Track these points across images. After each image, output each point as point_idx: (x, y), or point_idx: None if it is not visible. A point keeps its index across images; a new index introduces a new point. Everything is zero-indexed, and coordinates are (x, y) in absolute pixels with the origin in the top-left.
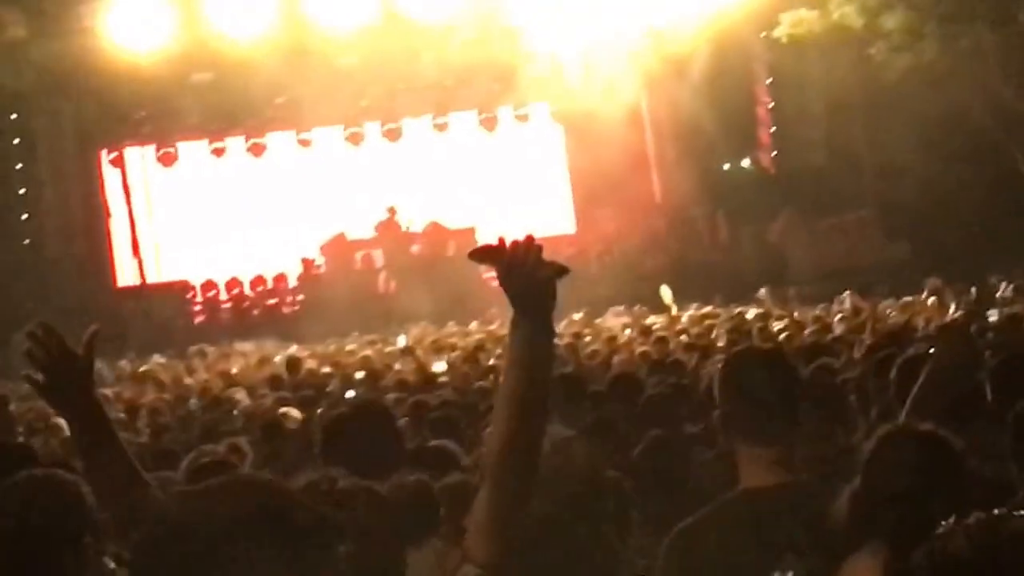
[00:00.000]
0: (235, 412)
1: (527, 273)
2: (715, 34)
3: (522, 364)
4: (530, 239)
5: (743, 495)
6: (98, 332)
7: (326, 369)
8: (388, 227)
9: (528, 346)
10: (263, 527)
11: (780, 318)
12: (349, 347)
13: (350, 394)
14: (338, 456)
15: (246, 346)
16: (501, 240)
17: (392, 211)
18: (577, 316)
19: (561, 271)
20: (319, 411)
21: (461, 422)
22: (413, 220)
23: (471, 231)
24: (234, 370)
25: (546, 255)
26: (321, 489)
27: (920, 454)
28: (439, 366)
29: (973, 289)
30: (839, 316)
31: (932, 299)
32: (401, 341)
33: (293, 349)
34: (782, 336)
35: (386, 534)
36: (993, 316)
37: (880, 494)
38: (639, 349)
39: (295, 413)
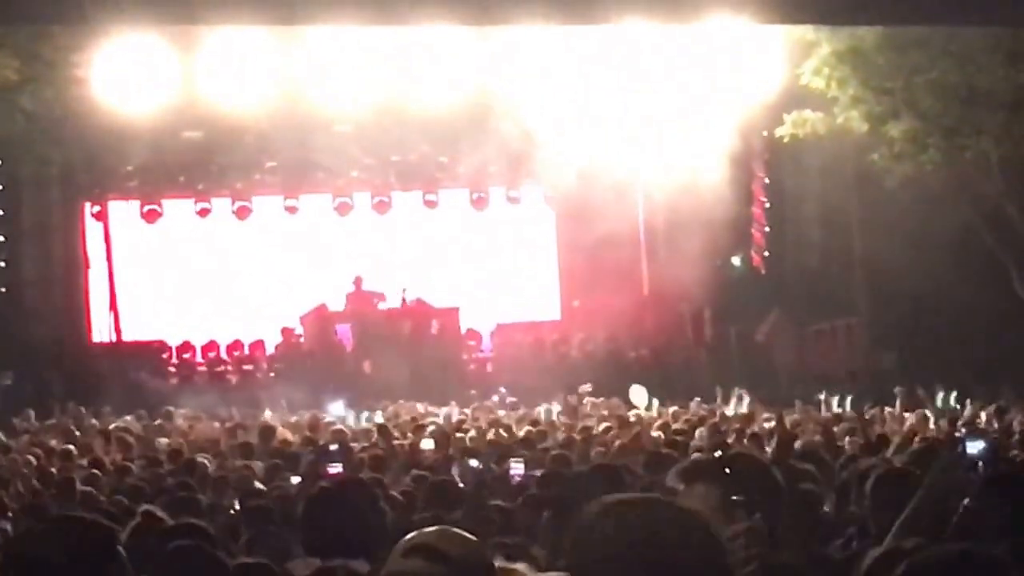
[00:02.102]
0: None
1: None
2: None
3: None
4: None
5: None
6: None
7: (298, 439)
8: (356, 298)
9: None
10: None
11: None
12: (325, 419)
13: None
14: (318, 531)
15: (219, 412)
16: None
17: (359, 281)
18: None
19: None
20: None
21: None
22: (404, 292)
23: (455, 311)
24: (205, 435)
25: (529, 339)
26: None
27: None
28: (427, 444)
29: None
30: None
31: (912, 412)
32: (377, 418)
33: (267, 416)
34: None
35: None
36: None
37: None
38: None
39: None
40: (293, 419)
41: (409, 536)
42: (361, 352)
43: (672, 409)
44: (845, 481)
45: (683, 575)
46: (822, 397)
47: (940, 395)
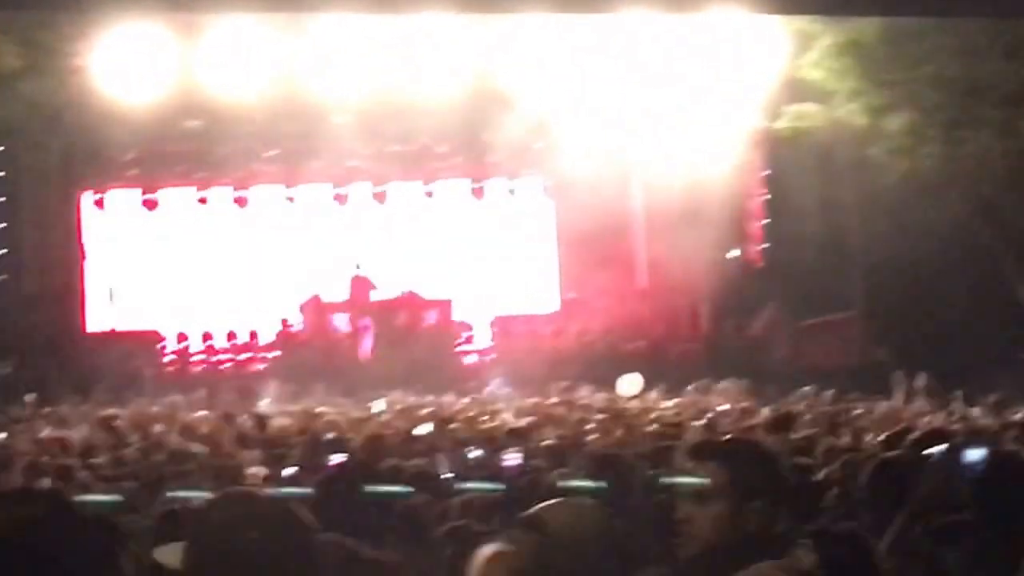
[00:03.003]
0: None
1: None
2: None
3: None
4: None
5: None
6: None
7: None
8: (357, 284)
9: None
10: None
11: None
12: (319, 409)
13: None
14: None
15: (214, 401)
16: None
17: (357, 272)
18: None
19: None
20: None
21: None
22: (394, 286)
23: (448, 303)
24: (199, 424)
25: (526, 332)
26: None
27: None
28: (423, 428)
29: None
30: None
31: (909, 404)
32: (379, 406)
33: (264, 404)
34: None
35: None
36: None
37: None
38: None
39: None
40: (289, 409)
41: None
42: (363, 343)
43: (674, 401)
44: (843, 471)
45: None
46: (807, 389)
47: (930, 387)
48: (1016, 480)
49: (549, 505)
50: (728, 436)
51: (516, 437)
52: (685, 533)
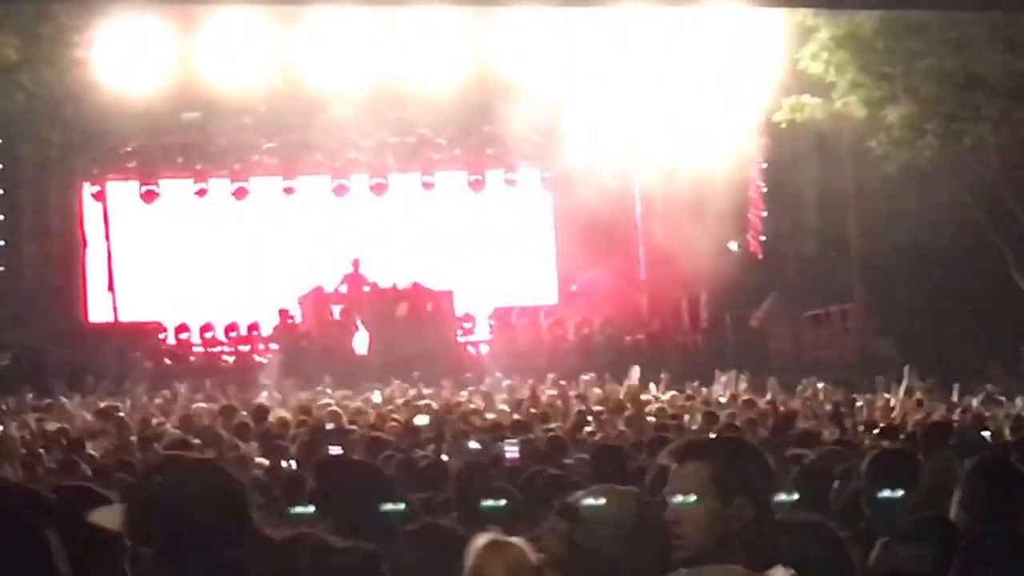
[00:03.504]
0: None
1: None
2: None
3: None
4: None
5: None
6: None
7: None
8: (353, 280)
9: None
10: None
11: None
12: (319, 400)
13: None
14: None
15: (214, 393)
16: None
17: (356, 264)
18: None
19: None
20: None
21: None
22: (394, 277)
23: (449, 294)
24: (199, 415)
25: (524, 323)
26: (308, 544)
27: None
28: (421, 419)
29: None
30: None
31: (908, 396)
32: (375, 397)
33: (262, 397)
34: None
35: None
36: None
37: None
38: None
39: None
40: (289, 400)
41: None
42: (363, 335)
43: (671, 394)
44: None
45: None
46: (807, 382)
47: (929, 379)
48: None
49: (584, 493)
50: (714, 433)
51: (515, 429)
52: (674, 535)
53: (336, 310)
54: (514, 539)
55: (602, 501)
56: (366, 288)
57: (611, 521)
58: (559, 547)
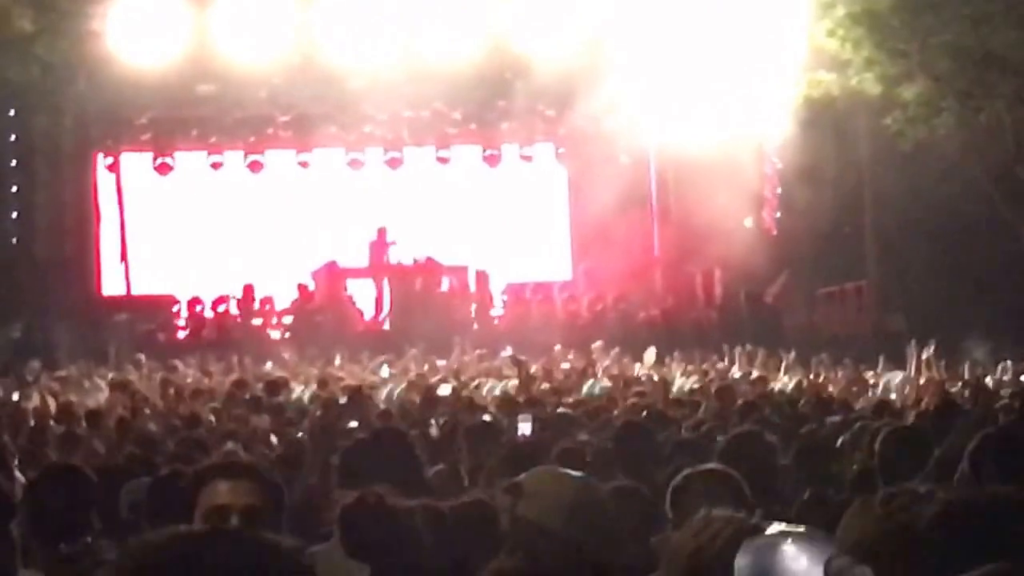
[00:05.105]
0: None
1: None
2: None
3: None
4: None
5: None
6: None
7: (306, 393)
8: (378, 248)
9: None
10: None
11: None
12: (333, 373)
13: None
14: (356, 480)
15: (223, 365)
16: None
17: (382, 232)
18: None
19: None
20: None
21: None
22: (409, 252)
23: (463, 269)
24: (212, 389)
25: (538, 299)
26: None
27: None
28: (444, 389)
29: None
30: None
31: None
32: (384, 371)
33: (268, 367)
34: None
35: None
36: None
37: None
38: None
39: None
40: (303, 374)
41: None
42: (377, 309)
43: (684, 367)
44: (856, 438)
45: None
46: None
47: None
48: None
49: (531, 472)
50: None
51: (529, 404)
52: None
53: (349, 284)
54: None
55: (541, 478)
56: (388, 259)
57: (551, 498)
58: (504, 521)
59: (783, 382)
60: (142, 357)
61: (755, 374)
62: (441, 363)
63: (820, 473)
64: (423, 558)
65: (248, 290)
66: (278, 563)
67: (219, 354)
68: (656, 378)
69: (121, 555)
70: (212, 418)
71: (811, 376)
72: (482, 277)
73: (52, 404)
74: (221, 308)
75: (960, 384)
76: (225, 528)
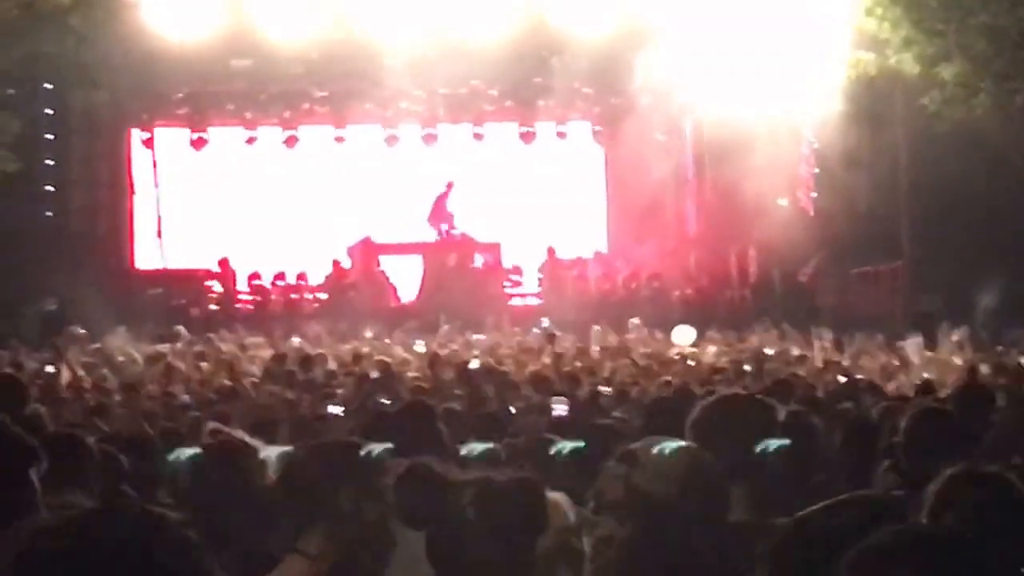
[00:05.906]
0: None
1: None
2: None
3: None
4: None
5: None
6: None
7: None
8: (439, 202)
9: None
10: None
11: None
12: (365, 349)
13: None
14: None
15: (258, 340)
16: None
17: (450, 185)
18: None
19: None
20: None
21: None
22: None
23: (496, 246)
24: (247, 364)
25: (573, 276)
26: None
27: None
28: (474, 363)
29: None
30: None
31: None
32: (419, 347)
33: (295, 343)
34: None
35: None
36: None
37: None
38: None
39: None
40: (336, 348)
41: None
42: (413, 285)
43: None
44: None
45: None
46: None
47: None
48: None
49: (645, 441)
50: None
51: (564, 382)
52: None
53: (384, 260)
54: (557, 495)
55: (659, 448)
56: (446, 227)
57: (666, 467)
58: (617, 490)
59: (816, 361)
60: (182, 329)
61: (795, 352)
62: (477, 337)
63: (864, 452)
64: (470, 531)
65: (283, 265)
66: (164, 535)
67: (253, 329)
68: (691, 362)
69: (16, 540)
70: (252, 392)
71: (844, 355)
72: (515, 254)
73: (86, 377)
74: (256, 283)
75: (992, 366)
76: (115, 505)
